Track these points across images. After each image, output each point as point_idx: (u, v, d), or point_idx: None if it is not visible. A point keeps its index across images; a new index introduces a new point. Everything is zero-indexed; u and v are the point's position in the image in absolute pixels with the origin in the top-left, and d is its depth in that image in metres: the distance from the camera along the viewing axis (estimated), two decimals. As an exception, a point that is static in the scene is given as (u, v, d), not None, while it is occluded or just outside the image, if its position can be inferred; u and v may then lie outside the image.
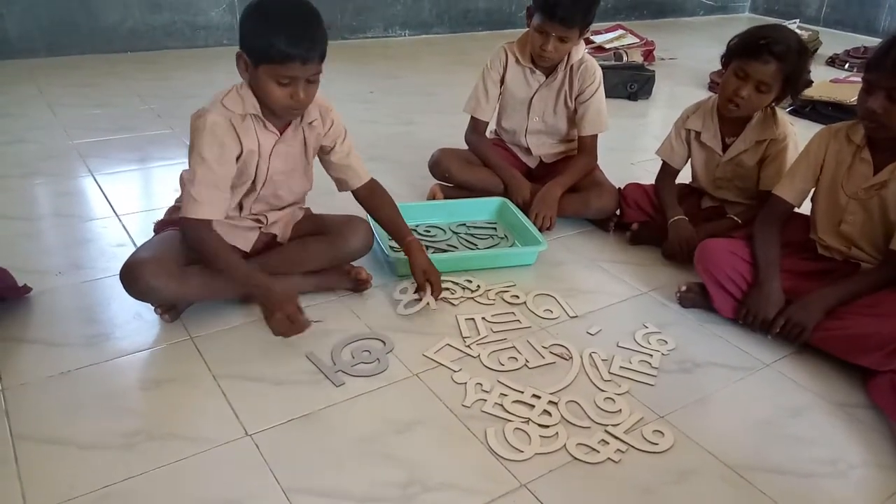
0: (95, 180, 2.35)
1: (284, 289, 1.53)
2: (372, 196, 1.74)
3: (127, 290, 1.52)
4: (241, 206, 1.64)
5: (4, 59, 3.58)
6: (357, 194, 1.74)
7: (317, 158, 1.70)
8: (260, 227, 1.68)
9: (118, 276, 1.52)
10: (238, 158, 1.52)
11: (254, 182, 1.59)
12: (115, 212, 2.14)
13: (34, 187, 2.29)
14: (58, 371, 1.44)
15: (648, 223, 2.12)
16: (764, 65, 1.77)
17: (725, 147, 1.98)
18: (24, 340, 1.53)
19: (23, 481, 1.18)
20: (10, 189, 2.25)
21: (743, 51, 1.80)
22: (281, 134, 1.57)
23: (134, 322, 1.61)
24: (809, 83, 3.63)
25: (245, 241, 1.66)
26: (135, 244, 1.92)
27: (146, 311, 1.62)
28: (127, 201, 2.21)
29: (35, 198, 2.24)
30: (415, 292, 1.75)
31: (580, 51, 2.13)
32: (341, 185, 1.73)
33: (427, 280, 1.70)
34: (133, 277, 1.50)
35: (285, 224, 1.73)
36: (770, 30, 1.81)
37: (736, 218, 1.97)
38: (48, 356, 1.48)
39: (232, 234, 1.63)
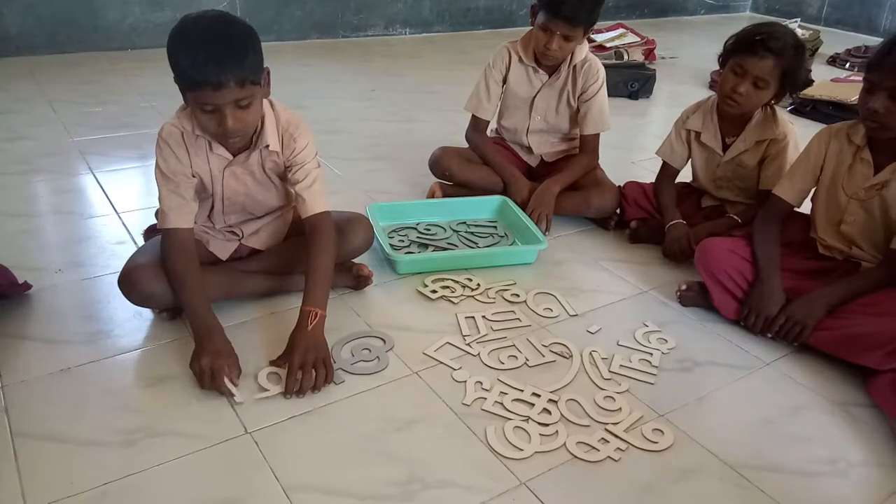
0: (95, 177, 2.35)
1: (223, 347, 1.41)
2: (313, 239, 1.55)
3: (126, 297, 1.53)
4: (212, 221, 1.63)
5: (5, 56, 3.58)
6: (304, 223, 1.58)
7: None
8: (238, 239, 1.67)
9: (116, 283, 1.53)
10: (192, 173, 1.51)
11: (213, 201, 1.58)
12: (115, 209, 2.14)
13: (34, 184, 2.29)
14: (58, 368, 1.44)
15: (647, 221, 2.12)
16: (760, 60, 1.78)
17: (726, 147, 1.98)
18: (24, 337, 1.53)
19: (22, 478, 1.18)
20: (10, 186, 2.25)
21: (739, 47, 1.81)
22: (234, 156, 1.52)
23: (134, 320, 1.61)
24: (810, 82, 3.62)
25: (223, 249, 1.65)
26: (135, 242, 1.93)
27: (145, 309, 1.62)
28: (127, 199, 2.21)
29: (35, 195, 2.24)
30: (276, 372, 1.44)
31: (583, 50, 2.13)
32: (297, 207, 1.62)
33: (301, 367, 1.39)
34: (131, 283, 1.51)
35: (269, 234, 1.70)
36: (766, 26, 1.82)
37: (736, 217, 1.97)
38: (48, 353, 1.48)
39: (211, 241, 1.64)
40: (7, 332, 1.54)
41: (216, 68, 1.28)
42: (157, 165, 1.49)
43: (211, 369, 1.37)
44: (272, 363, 1.47)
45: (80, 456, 1.23)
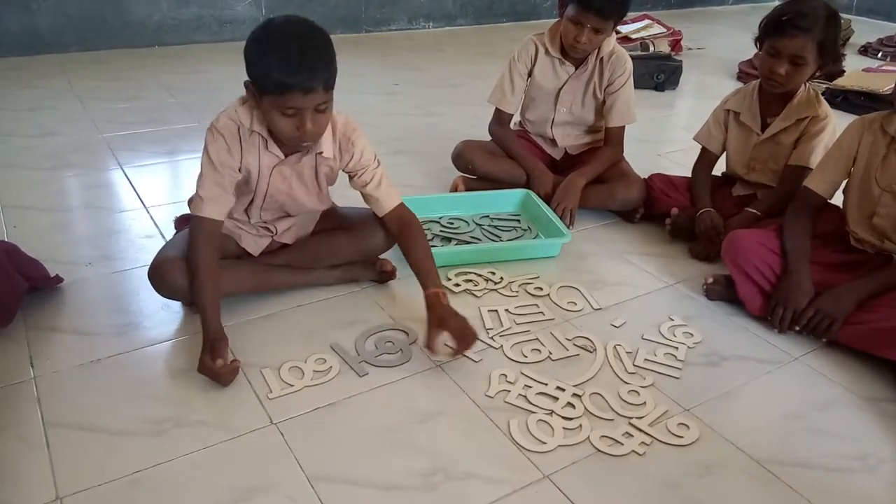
0: (124, 172, 2.39)
1: (220, 341, 1.42)
2: (402, 232, 1.62)
3: (155, 289, 1.55)
4: (248, 214, 1.63)
5: (36, 53, 3.65)
6: (385, 222, 1.66)
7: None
8: (271, 235, 1.67)
9: (146, 276, 1.55)
10: (240, 167, 1.51)
11: (254, 196, 1.58)
12: (143, 204, 2.17)
13: (65, 179, 2.33)
14: (88, 359, 1.47)
15: (687, 210, 2.06)
16: (791, 39, 1.76)
17: (765, 127, 1.95)
18: (56, 329, 1.56)
19: (54, 467, 1.21)
20: (42, 181, 2.30)
21: (769, 29, 1.80)
22: (286, 157, 1.53)
23: (162, 312, 1.63)
24: (842, 72, 3.56)
25: (255, 245, 1.66)
26: (163, 236, 1.95)
27: (173, 301, 1.64)
28: (155, 193, 2.24)
29: (66, 190, 2.28)
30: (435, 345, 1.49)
31: (611, 42, 2.11)
32: (370, 206, 1.68)
33: (462, 335, 1.48)
34: (160, 276, 1.52)
35: (298, 228, 1.71)
36: (793, 4, 1.79)
37: (754, 210, 1.94)
38: (79, 345, 1.51)
39: (243, 237, 1.65)
40: (39, 324, 1.57)
41: (309, 74, 1.32)
42: (207, 153, 1.48)
43: (215, 370, 1.38)
44: (429, 346, 1.48)
45: (110, 445, 1.26)
